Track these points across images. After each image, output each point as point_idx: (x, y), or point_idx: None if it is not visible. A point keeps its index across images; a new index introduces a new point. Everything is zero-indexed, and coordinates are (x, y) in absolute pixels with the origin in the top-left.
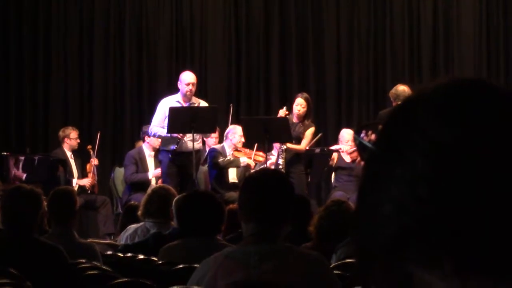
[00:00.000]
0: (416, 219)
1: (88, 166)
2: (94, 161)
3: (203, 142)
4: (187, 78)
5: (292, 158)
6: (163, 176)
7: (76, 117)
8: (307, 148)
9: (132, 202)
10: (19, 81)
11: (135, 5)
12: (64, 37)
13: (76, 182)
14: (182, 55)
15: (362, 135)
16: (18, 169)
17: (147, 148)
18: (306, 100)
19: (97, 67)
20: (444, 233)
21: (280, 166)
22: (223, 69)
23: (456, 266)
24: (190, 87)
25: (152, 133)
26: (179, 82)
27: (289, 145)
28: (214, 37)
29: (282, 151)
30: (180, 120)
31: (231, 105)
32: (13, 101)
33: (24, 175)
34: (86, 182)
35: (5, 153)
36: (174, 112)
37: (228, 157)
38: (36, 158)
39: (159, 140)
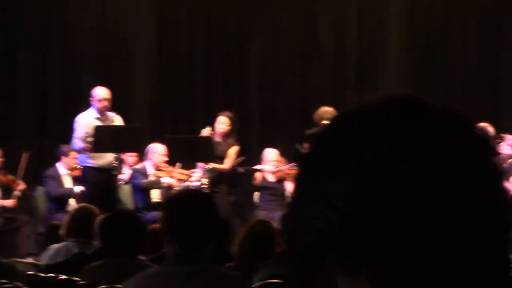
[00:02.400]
0: (335, 230)
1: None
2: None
3: (121, 161)
4: (101, 93)
5: (216, 177)
6: (87, 196)
7: None
8: (231, 167)
9: (55, 221)
10: None
11: (60, 20)
12: None
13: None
14: (107, 74)
15: (298, 146)
16: None
17: (63, 167)
18: (229, 118)
19: (20, 85)
20: (361, 246)
21: (204, 186)
22: (147, 86)
23: (370, 277)
24: (104, 102)
25: (77, 147)
26: (92, 98)
27: (213, 164)
28: (139, 54)
29: (206, 171)
30: (105, 139)
31: None
32: None
33: None
34: (10, 203)
35: None
36: (98, 131)
37: (150, 178)
38: None
39: (76, 158)
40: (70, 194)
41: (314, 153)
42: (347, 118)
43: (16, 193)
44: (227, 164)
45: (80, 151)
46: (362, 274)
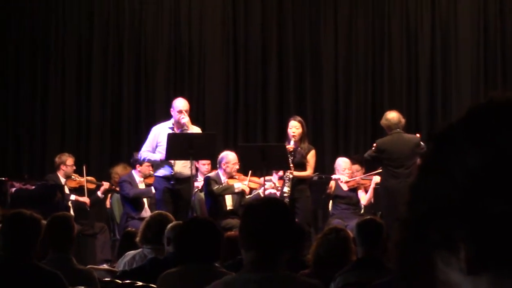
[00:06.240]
0: (448, 201)
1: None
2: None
3: (196, 169)
4: (180, 105)
5: (296, 184)
6: (158, 204)
7: (72, 144)
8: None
9: (130, 228)
10: (16, 107)
11: (134, 31)
12: (62, 62)
13: (75, 198)
14: (180, 81)
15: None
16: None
17: (137, 175)
18: (300, 122)
19: (95, 93)
20: (468, 220)
21: (285, 194)
22: (220, 95)
23: (469, 252)
24: (183, 114)
25: (142, 158)
26: (172, 109)
27: (295, 173)
28: (212, 63)
29: (288, 180)
30: (178, 146)
31: None
32: (10, 127)
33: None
34: (86, 199)
35: (3, 178)
36: (172, 139)
37: (223, 184)
38: (34, 186)
39: (150, 167)
40: (147, 193)
41: (448, 131)
42: (481, 106)
43: (100, 194)
44: (309, 171)
45: (144, 162)
46: (460, 251)
